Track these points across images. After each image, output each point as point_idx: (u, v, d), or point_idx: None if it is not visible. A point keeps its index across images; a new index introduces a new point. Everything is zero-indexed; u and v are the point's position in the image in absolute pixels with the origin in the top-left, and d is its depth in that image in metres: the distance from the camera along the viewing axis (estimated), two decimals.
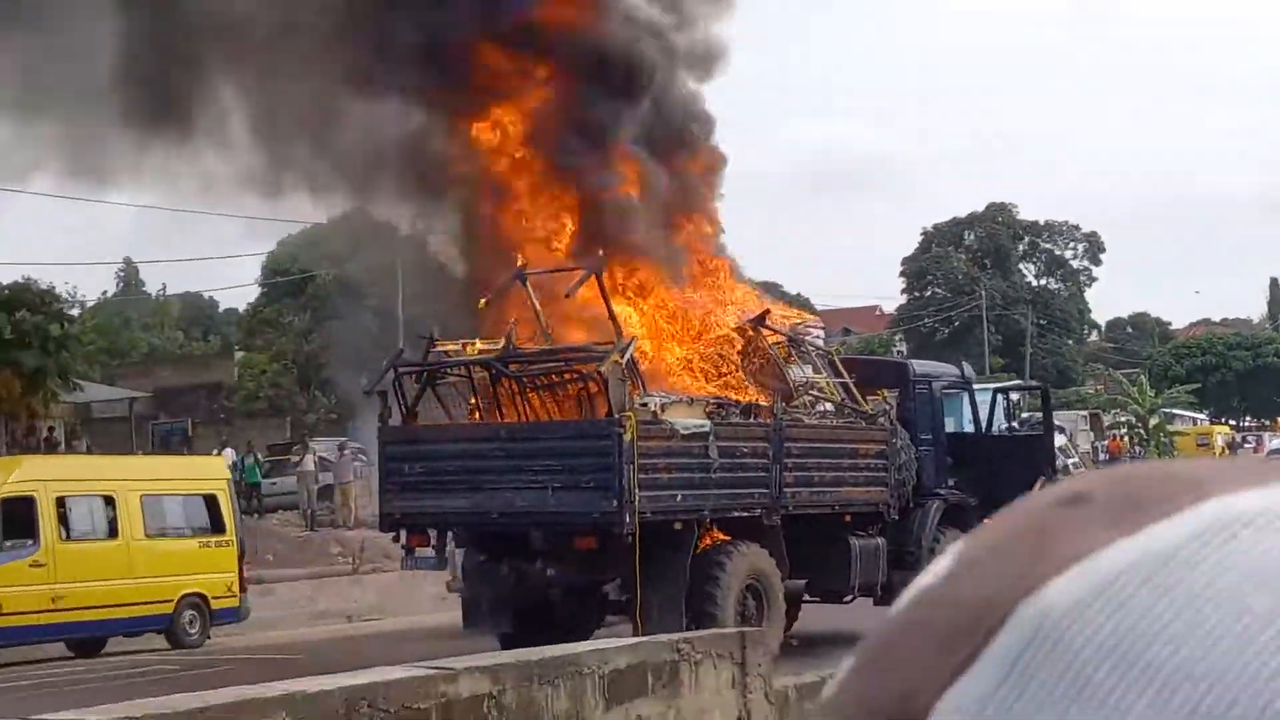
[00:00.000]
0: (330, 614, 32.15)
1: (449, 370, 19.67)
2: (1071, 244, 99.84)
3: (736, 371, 20.57)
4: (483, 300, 20.33)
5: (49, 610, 23.85)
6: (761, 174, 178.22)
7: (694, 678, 11.27)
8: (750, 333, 20.89)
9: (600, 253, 20.08)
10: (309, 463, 43.47)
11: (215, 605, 26.21)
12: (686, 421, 18.54)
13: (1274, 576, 0.56)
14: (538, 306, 19.73)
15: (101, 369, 70.49)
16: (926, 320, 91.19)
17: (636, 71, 22.52)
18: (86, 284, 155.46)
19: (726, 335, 21.00)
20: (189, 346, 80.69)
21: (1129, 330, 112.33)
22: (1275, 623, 0.55)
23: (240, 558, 26.97)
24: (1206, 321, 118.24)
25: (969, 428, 23.99)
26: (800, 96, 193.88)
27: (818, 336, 23.00)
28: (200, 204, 37.87)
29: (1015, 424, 24.34)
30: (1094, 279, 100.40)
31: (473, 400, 19.59)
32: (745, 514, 19.25)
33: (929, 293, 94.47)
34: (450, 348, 19.86)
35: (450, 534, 19.75)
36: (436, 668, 9.74)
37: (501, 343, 19.19)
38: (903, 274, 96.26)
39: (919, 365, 25.00)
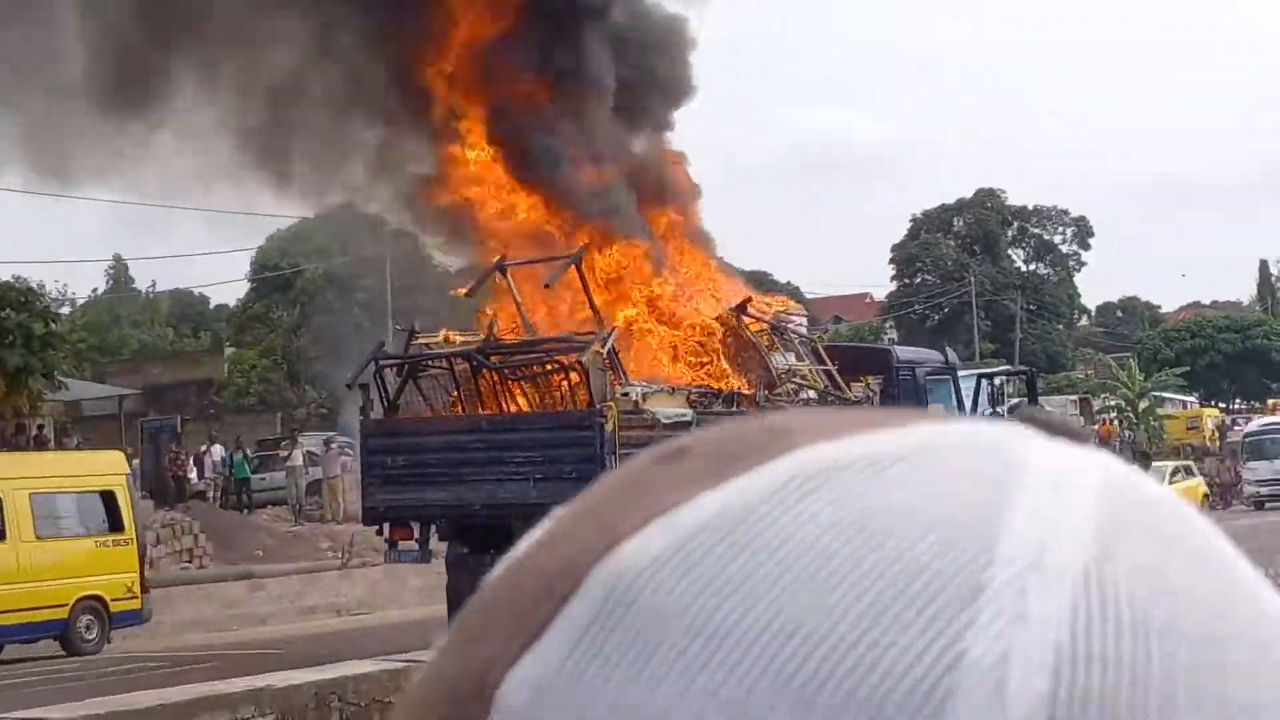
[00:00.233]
0: (320, 609, 32.10)
1: (430, 362, 19.62)
2: (1060, 229, 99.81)
3: (719, 360, 20.50)
4: (464, 291, 20.28)
5: None
6: (752, 161, 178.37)
7: None
8: (732, 321, 20.84)
9: (581, 243, 20.04)
10: (297, 457, 43.42)
11: (114, 608, 25.16)
12: (668, 410, 18.49)
13: (859, 526, 0.52)
14: (518, 297, 19.68)
15: (92, 366, 70.50)
16: (916, 307, 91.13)
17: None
18: (77, 282, 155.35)
19: (708, 323, 20.95)
20: (179, 343, 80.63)
21: (1119, 314, 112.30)
22: (856, 572, 0.52)
23: (141, 557, 25.95)
24: (1196, 305, 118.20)
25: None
26: (790, 83, 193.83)
27: (800, 324, 22.96)
28: (187, 200, 37.93)
29: (1002, 409, 24.24)
30: (1083, 263, 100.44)
31: (454, 392, 19.54)
32: None
33: (919, 279, 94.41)
34: (431, 340, 19.82)
35: (434, 527, 19.70)
36: (407, 660, 9.71)
37: (482, 334, 19.14)
38: (892, 261, 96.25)
39: (902, 351, 24.96)
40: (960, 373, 25.17)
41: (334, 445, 39.80)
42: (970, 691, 0.49)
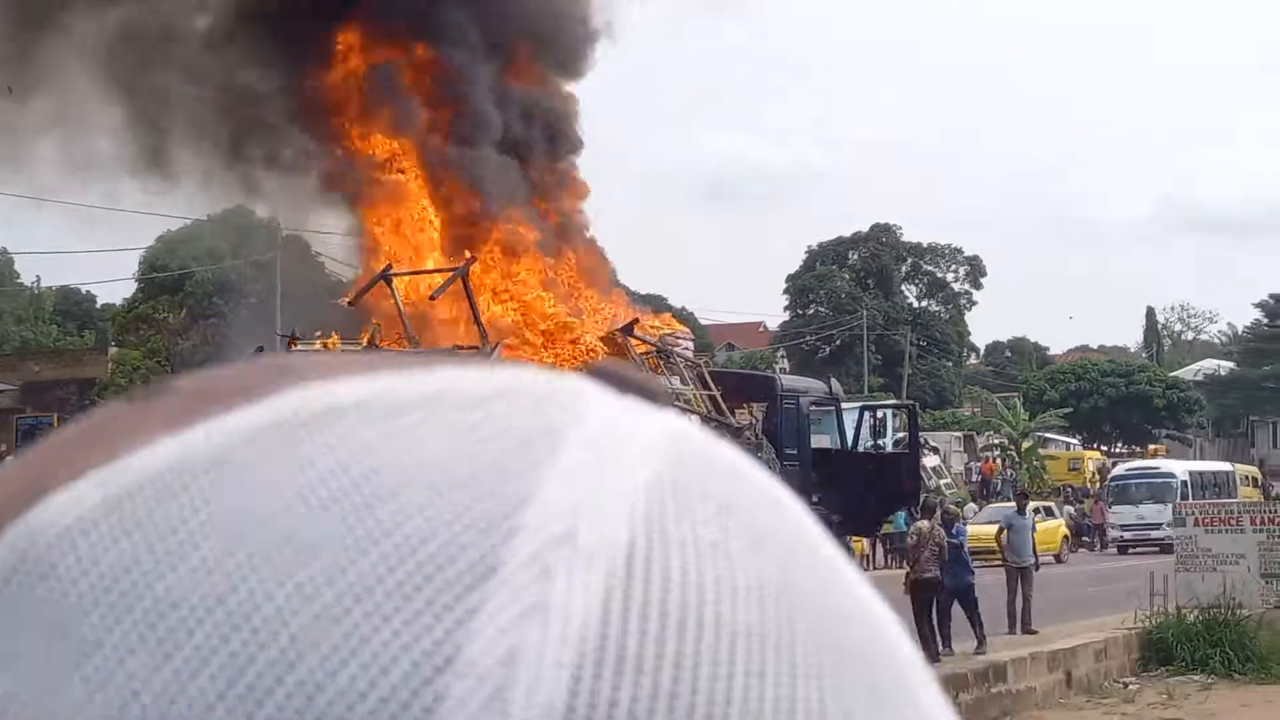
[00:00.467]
0: None
1: None
2: (953, 267, 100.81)
3: None
4: (347, 299, 20.07)
5: None
6: (651, 186, 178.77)
7: None
8: (618, 341, 20.77)
9: (468, 255, 19.90)
10: None
11: None
12: None
13: (356, 483, 0.42)
14: (401, 306, 19.49)
15: None
16: (808, 338, 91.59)
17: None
18: None
19: (594, 342, 20.87)
20: (63, 341, 79.40)
21: (1008, 354, 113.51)
22: (344, 541, 0.41)
23: None
24: (1084, 348, 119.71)
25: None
26: (692, 110, 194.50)
27: (687, 348, 22.92)
28: (73, 195, 37.32)
29: (883, 442, 24.35)
30: (974, 302, 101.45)
31: None
32: None
33: (812, 310, 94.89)
34: (311, 349, 19.56)
35: None
36: None
37: (363, 343, 18.92)
38: (786, 291, 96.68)
39: (786, 380, 25.05)
40: (844, 405, 25.28)
41: None
42: (463, 700, 0.40)
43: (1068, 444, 79.03)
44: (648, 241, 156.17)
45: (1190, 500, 40.88)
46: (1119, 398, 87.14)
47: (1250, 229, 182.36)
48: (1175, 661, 21.85)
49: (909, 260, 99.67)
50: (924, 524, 21.26)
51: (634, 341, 20.81)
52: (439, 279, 19.43)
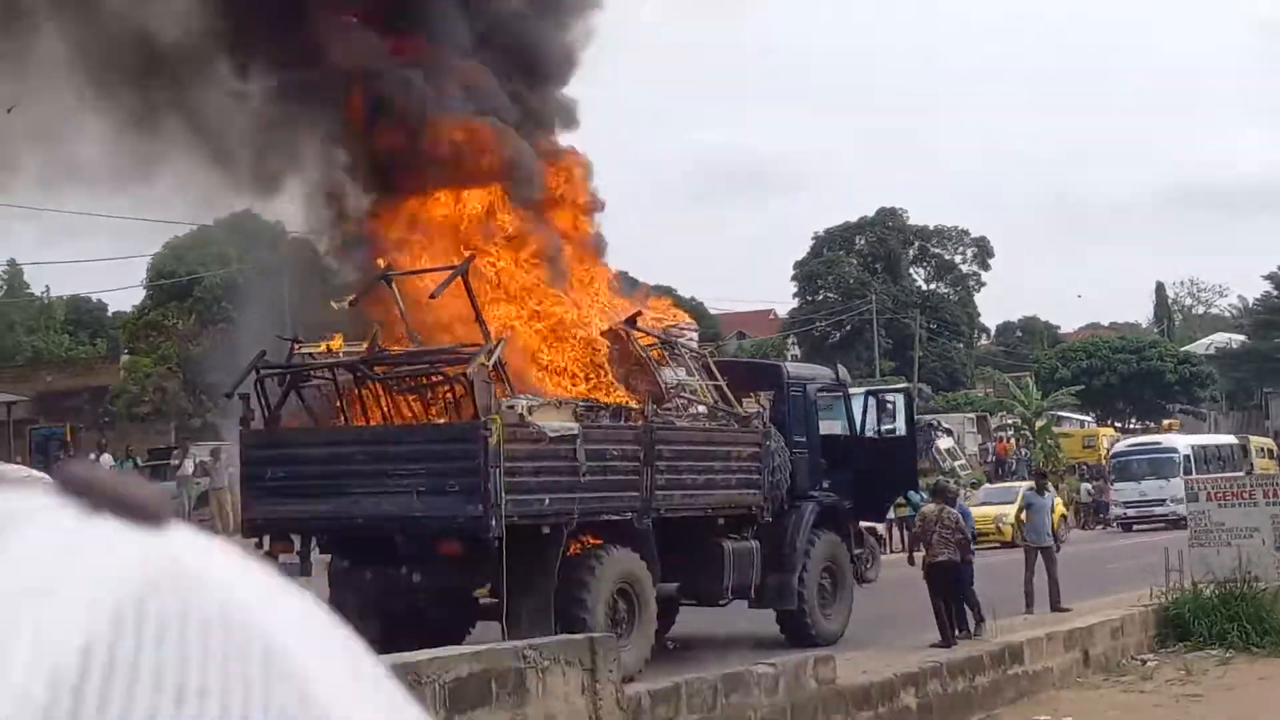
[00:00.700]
0: None
1: (313, 373, 19.33)
2: (961, 249, 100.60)
3: (607, 374, 20.36)
4: (348, 300, 20.00)
5: None
6: (659, 176, 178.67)
7: (541, 685, 11.08)
8: (622, 334, 20.70)
9: (468, 253, 19.84)
10: (188, 467, 42.85)
11: None
12: (554, 424, 18.32)
13: None
14: (403, 306, 19.44)
15: None
16: (818, 324, 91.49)
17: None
18: None
19: (598, 337, 20.79)
20: (75, 350, 79.46)
21: (1019, 334, 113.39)
22: None
23: None
24: (1095, 326, 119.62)
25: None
26: (698, 99, 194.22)
27: (691, 338, 22.82)
28: (84, 204, 37.29)
29: (892, 427, 24.27)
30: (983, 283, 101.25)
31: (338, 403, 19.26)
32: (616, 517, 19.07)
33: (821, 296, 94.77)
34: (314, 350, 19.53)
35: (315, 540, 19.40)
36: None
37: (366, 344, 18.89)
38: (795, 278, 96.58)
39: (793, 368, 24.97)
40: (852, 390, 25.19)
41: (223, 455, 39.06)
42: None
43: (1082, 421, 78.92)
44: (656, 234, 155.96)
45: (1194, 475, 40.51)
46: (1131, 374, 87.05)
47: (1258, 201, 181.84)
48: (1193, 637, 21.81)
49: (916, 243, 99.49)
50: (930, 508, 21.20)
51: (637, 334, 20.74)
52: (442, 278, 19.30)
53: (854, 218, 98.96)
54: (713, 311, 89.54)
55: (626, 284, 24.57)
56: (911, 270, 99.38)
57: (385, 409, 18.97)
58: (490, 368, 17.97)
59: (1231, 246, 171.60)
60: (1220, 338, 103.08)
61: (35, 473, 2.20)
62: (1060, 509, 43.94)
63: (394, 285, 19.52)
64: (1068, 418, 77.46)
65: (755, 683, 13.75)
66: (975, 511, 29.62)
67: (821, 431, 23.21)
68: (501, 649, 11.30)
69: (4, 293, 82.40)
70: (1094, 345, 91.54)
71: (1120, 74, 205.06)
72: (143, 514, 0.41)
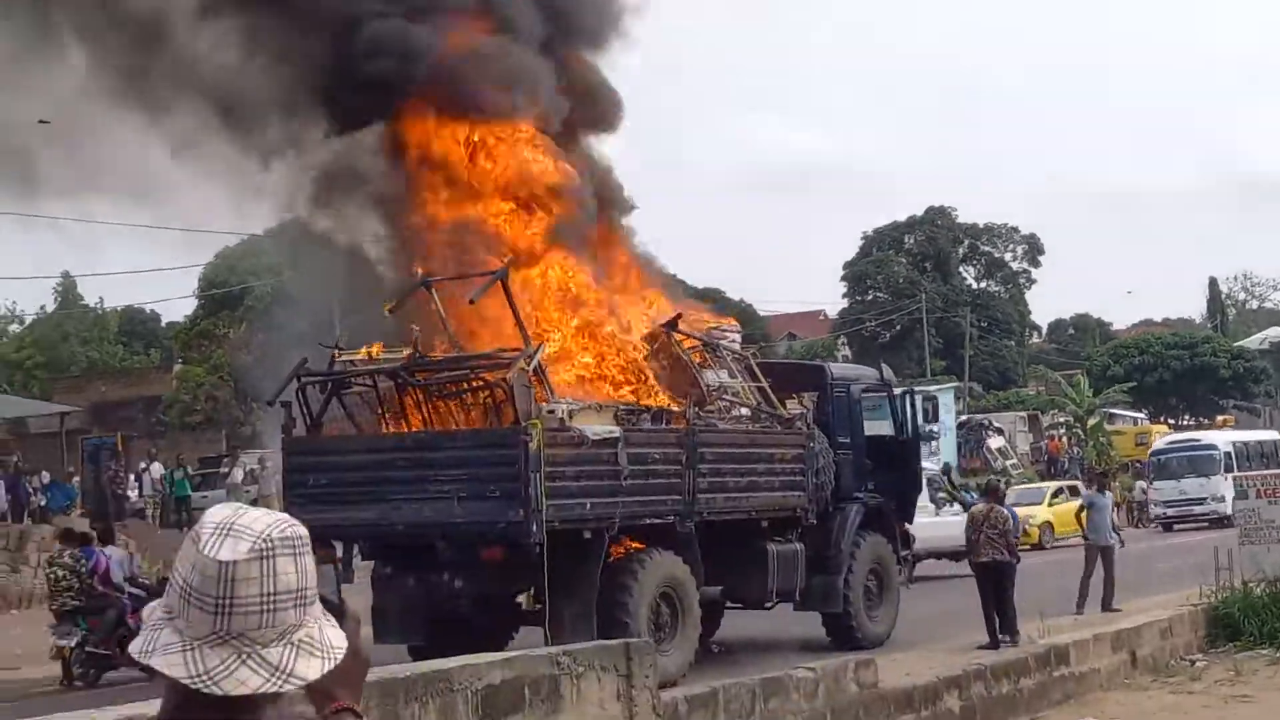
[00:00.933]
0: None
1: (354, 380, 19.34)
2: (1011, 246, 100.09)
3: (648, 377, 20.28)
4: (388, 307, 20.00)
5: None
6: (705, 178, 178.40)
7: (575, 691, 11.03)
8: (663, 337, 20.62)
9: (507, 258, 19.81)
10: (238, 475, 43.06)
11: None
12: (595, 428, 18.26)
13: None
14: (443, 313, 19.42)
15: (40, 384, 69.91)
16: (868, 324, 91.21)
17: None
18: (27, 299, 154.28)
19: (639, 340, 20.71)
20: (129, 360, 79.99)
21: (1071, 332, 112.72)
22: None
23: None
24: (1148, 322, 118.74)
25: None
26: (744, 101, 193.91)
27: (734, 340, 22.72)
28: (137, 216, 37.52)
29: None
30: (1033, 281, 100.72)
31: (379, 410, 19.27)
32: (658, 521, 18.97)
33: (870, 296, 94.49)
34: (356, 357, 19.54)
35: (356, 546, 19.42)
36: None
37: (406, 351, 18.88)
38: (844, 278, 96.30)
39: (837, 368, 24.84)
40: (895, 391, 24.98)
41: (270, 463, 39.27)
42: None
43: (1134, 419, 78.39)
44: (704, 235, 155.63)
45: (1235, 472, 39.80)
46: (1184, 370, 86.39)
47: None
48: (1243, 637, 21.59)
49: (966, 242, 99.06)
50: (980, 507, 21.02)
51: (679, 336, 20.66)
52: (481, 283, 19.25)
53: (903, 217, 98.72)
54: (762, 313, 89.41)
55: (672, 286, 24.48)
56: (961, 269, 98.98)
57: (426, 415, 18.96)
58: (530, 372, 17.92)
59: None
60: (1274, 332, 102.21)
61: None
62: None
63: (434, 290, 19.51)
64: (1120, 415, 76.94)
65: (794, 687, 13.67)
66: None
67: (867, 432, 23.06)
68: (535, 655, 11.25)
69: (58, 304, 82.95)
70: (1146, 342, 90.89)
71: (1173, 65, 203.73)
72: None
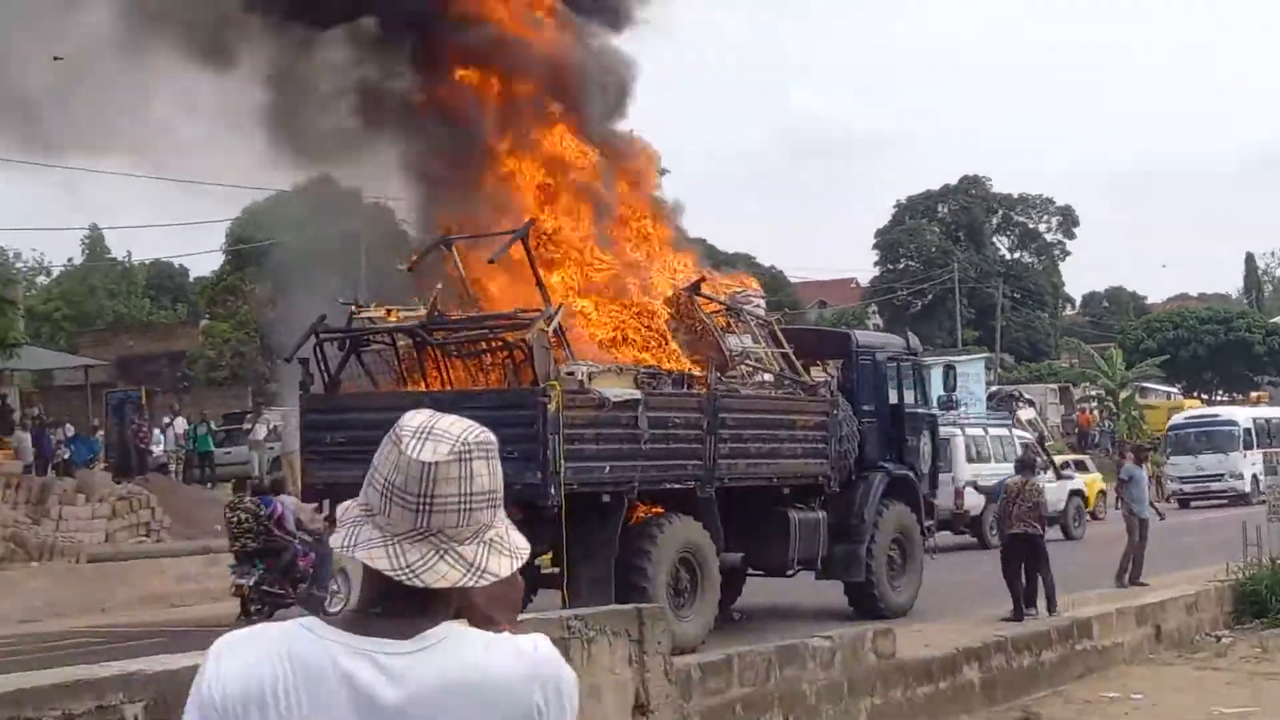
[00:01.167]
0: None
1: (372, 337, 19.14)
2: (1045, 217, 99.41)
3: (669, 341, 20.02)
4: (407, 265, 19.77)
5: None
6: (738, 146, 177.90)
7: (586, 655, 10.79)
8: (685, 300, 20.36)
9: (527, 218, 19.56)
10: (260, 431, 42.93)
11: None
12: (615, 391, 18.02)
13: None
14: (463, 272, 19.20)
15: (66, 336, 69.97)
16: (899, 293, 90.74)
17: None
18: (55, 251, 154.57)
19: (660, 303, 20.45)
20: (156, 315, 79.99)
21: (1105, 304, 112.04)
22: None
23: None
24: (1184, 296, 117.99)
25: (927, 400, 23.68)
26: (777, 69, 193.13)
27: (758, 305, 22.43)
28: (165, 170, 37.40)
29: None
30: (1068, 253, 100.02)
31: (397, 368, 19.06)
32: (678, 486, 18.75)
33: (902, 265, 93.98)
34: (374, 314, 19.33)
35: None
36: None
37: (425, 309, 18.67)
38: (876, 246, 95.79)
39: (862, 336, 24.52)
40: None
41: (293, 420, 39.04)
42: None
43: (1168, 393, 77.84)
44: (735, 201, 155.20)
45: (1255, 449, 39.06)
46: (1218, 345, 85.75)
47: None
48: (1270, 613, 21.30)
49: (1000, 212, 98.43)
50: (1014, 480, 20.66)
51: (701, 300, 20.39)
52: (502, 242, 19.01)
53: (936, 185, 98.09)
54: (792, 279, 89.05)
55: (704, 251, 24.23)
56: (995, 239, 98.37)
57: (444, 374, 18.74)
58: (550, 333, 17.69)
59: None
60: None
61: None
62: (1099, 485, 41.09)
63: (454, 249, 19.27)
64: (1153, 389, 76.40)
65: (811, 655, 13.42)
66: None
67: (892, 401, 22.78)
68: (545, 618, 11.01)
69: (86, 257, 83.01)
70: (1180, 316, 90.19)
71: (1209, 39, 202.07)
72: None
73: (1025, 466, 21.41)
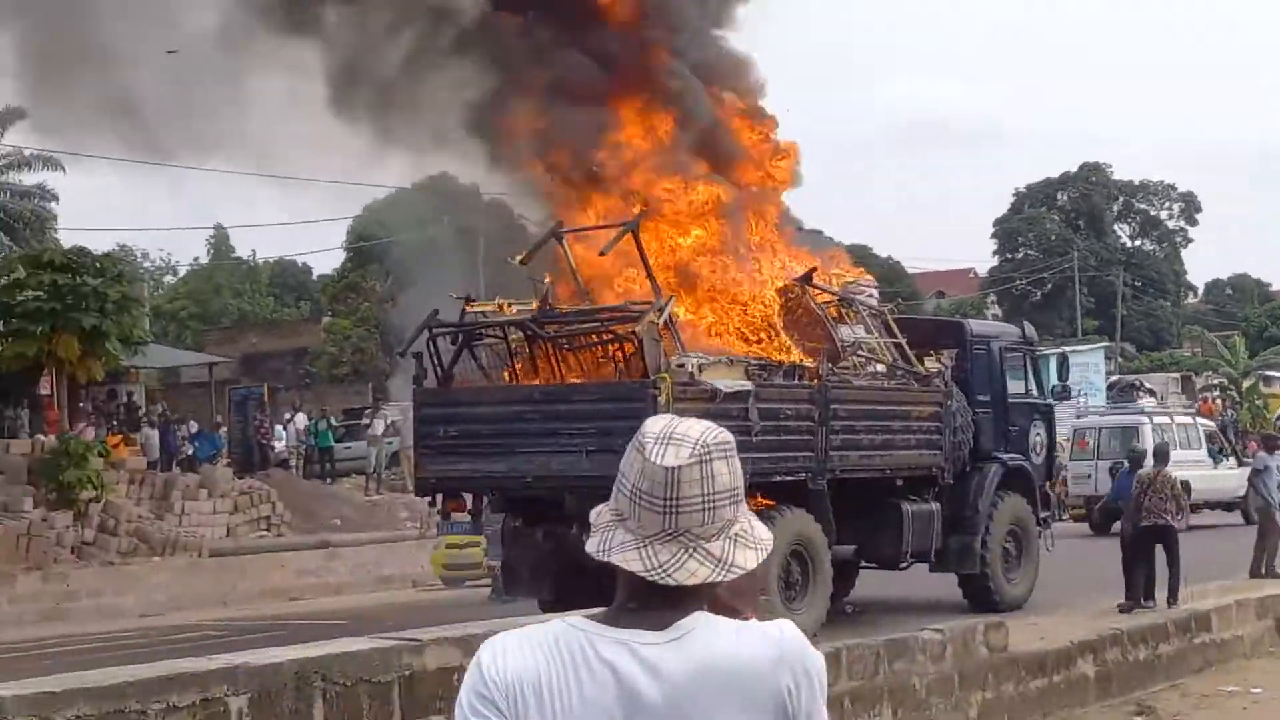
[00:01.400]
0: (396, 579, 31.93)
1: (485, 331, 19.25)
2: (1167, 204, 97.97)
3: (779, 333, 19.93)
4: (519, 259, 19.83)
5: None
6: (854, 136, 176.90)
7: None
8: (797, 291, 20.27)
9: (640, 209, 19.56)
10: (379, 426, 43.32)
11: None
12: (726, 382, 17.99)
13: None
14: (574, 264, 19.25)
15: (193, 334, 71.09)
16: (1018, 282, 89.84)
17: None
18: (181, 250, 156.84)
19: (772, 294, 20.37)
20: (280, 312, 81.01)
21: (1228, 292, 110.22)
22: None
23: None
24: None
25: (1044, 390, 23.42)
26: (891, 57, 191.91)
27: (871, 295, 22.28)
28: (287, 168, 37.85)
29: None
30: (1190, 240, 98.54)
31: (509, 362, 19.16)
32: (789, 478, 18.67)
33: (1021, 254, 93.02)
34: (486, 308, 19.44)
35: (485, 500, 19.32)
36: (401, 639, 9.32)
37: (536, 303, 18.75)
38: (994, 235, 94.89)
39: (977, 325, 24.27)
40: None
41: (411, 415, 39.41)
42: None
43: None
44: (850, 192, 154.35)
45: None
46: None
47: None
48: None
49: (1120, 199, 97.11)
50: (1146, 470, 20.32)
51: (813, 290, 20.29)
52: (612, 234, 19.04)
53: (1055, 173, 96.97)
54: (910, 270, 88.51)
55: (820, 242, 24.09)
56: (1115, 226, 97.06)
57: (555, 367, 18.81)
58: (660, 325, 17.69)
59: None
60: None
61: None
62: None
63: (565, 242, 19.33)
64: (1277, 378, 75.05)
65: (920, 649, 13.33)
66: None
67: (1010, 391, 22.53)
68: None
69: (211, 256, 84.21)
70: None
71: None
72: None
73: (1160, 457, 21.06)
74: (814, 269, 20.65)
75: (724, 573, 2.78)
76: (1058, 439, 26.14)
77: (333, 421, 46.35)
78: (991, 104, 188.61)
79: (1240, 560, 23.09)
